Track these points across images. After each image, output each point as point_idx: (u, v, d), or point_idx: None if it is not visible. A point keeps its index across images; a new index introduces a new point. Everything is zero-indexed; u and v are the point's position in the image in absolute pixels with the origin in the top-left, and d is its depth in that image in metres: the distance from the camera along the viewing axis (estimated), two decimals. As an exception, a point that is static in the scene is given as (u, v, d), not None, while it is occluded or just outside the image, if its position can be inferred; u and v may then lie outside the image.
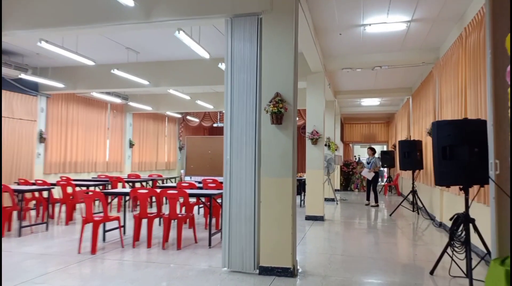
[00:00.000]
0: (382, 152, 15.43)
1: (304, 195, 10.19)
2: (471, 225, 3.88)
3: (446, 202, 6.99)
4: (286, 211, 4.18)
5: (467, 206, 3.98)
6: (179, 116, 17.45)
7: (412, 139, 10.32)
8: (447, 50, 6.63)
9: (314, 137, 7.97)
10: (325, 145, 11.66)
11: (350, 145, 19.76)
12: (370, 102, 14.02)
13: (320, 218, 7.89)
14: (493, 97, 2.97)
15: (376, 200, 10.56)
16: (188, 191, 5.93)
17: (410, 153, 8.45)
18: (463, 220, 3.94)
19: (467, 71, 5.40)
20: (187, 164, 14.67)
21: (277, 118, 4.20)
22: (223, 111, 10.09)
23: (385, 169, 20.33)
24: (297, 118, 14.88)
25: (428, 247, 5.72)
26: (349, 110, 15.46)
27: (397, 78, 10.42)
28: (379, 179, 11.31)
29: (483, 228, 4.06)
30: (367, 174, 10.61)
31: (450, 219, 4.15)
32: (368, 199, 10.88)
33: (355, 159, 18.94)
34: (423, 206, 8.35)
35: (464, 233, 3.90)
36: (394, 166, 14.86)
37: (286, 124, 4.26)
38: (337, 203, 11.08)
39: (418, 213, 8.83)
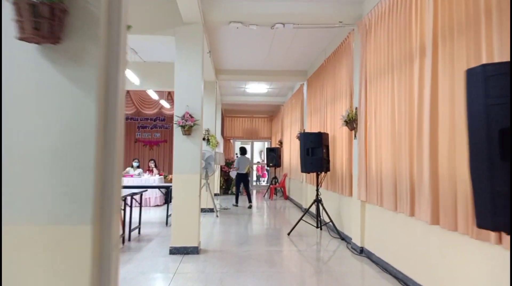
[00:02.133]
0: (268, 149, 13.52)
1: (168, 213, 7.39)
2: None
3: (370, 218, 4.98)
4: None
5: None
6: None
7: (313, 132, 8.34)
8: (377, 5, 4.60)
9: (187, 124, 5.16)
10: (204, 139, 8.94)
11: (231, 141, 17.52)
12: (257, 89, 11.86)
13: (193, 250, 5.13)
14: None
15: (250, 200, 10.32)
16: None
17: (315, 150, 6.34)
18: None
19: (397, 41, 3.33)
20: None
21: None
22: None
23: (265, 169, 18.93)
24: (170, 106, 11.67)
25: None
26: (231, 99, 13.08)
27: (292, 59, 8.34)
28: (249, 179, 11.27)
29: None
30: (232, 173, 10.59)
31: None
32: (236, 201, 10.47)
33: (237, 157, 16.78)
34: (331, 221, 6.33)
35: None
36: (280, 165, 13.06)
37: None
38: (217, 216, 8.48)
39: (321, 229, 6.80)
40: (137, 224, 6.44)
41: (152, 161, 10.90)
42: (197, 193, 5.22)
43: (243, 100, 13.17)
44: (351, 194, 5.66)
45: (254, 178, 18.61)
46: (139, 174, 10.46)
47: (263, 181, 19.94)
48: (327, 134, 6.61)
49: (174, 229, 5.16)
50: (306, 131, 8.99)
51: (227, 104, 13.98)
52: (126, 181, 9.87)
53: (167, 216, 7.51)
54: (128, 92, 12.68)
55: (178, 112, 5.27)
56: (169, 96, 12.46)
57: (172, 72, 5.35)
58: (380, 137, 4.54)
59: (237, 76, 9.28)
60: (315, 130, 8.02)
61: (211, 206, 8.92)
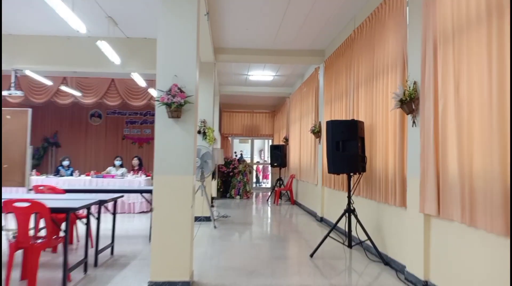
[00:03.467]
0: (272, 147, 11.92)
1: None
2: None
3: (441, 240, 3.40)
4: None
5: None
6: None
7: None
8: None
9: (175, 101, 3.54)
10: (199, 132, 7.37)
11: (229, 138, 15.91)
12: (261, 76, 10.27)
13: (184, 286, 3.54)
14: None
15: None
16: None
17: (348, 144, 4.75)
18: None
19: None
20: None
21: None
22: None
23: (267, 169, 17.28)
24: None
25: None
26: (231, 89, 11.49)
27: (307, 35, 6.78)
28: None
29: None
30: None
31: None
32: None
33: (236, 156, 15.19)
34: (369, 239, 4.73)
35: None
36: (285, 165, 11.46)
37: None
38: (214, 226, 6.86)
39: (350, 248, 5.21)
40: (110, 241, 4.83)
41: (136, 159, 9.25)
42: (189, 203, 3.61)
43: (244, 91, 11.57)
44: (403, 204, 4.08)
45: (254, 179, 17.01)
46: (122, 175, 8.83)
47: (264, 182, 18.33)
48: (362, 123, 5.03)
49: (155, 255, 3.55)
50: (321, 125, 7.42)
51: (226, 96, 12.36)
52: (106, 183, 8.23)
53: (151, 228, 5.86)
54: (113, 81, 11.06)
55: (161, 85, 3.67)
56: (160, 85, 10.83)
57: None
58: (466, 123, 2.97)
59: (240, 56, 7.68)
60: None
61: (208, 214, 7.31)
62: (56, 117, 14.35)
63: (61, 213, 3.65)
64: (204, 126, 7.52)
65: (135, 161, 9.14)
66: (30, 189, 5.61)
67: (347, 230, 5.07)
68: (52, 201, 3.74)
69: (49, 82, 9.43)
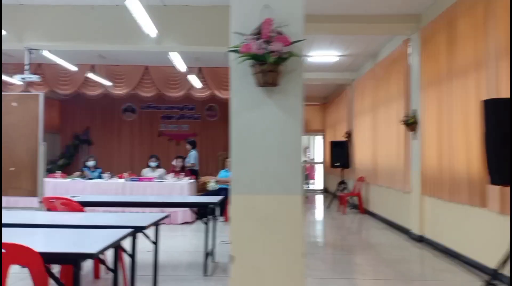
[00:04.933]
0: (333, 144, 10.10)
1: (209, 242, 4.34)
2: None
3: None
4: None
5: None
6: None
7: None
8: None
9: (272, 52, 1.85)
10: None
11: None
12: (323, 58, 8.48)
13: None
14: None
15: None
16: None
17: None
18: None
19: None
20: None
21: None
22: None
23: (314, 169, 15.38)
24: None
25: None
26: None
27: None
28: None
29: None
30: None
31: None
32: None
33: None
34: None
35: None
36: (348, 165, 9.62)
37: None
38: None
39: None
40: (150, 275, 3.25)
41: (180, 160, 7.72)
42: (299, 247, 1.93)
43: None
44: None
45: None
46: (160, 177, 7.34)
47: (311, 184, 16.46)
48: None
49: None
50: (421, 112, 5.57)
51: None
52: (142, 188, 6.75)
53: (206, 251, 4.17)
54: (146, 69, 9.63)
55: (239, 23, 2.00)
56: (201, 73, 9.32)
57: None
58: None
59: (323, 21, 5.91)
60: (453, 107, 4.60)
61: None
62: (88, 112, 13.17)
63: (65, 263, 2.06)
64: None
65: (178, 163, 7.61)
66: (41, 201, 4.17)
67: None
68: (53, 234, 2.18)
69: (73, 68, 8.06)
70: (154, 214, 3.37)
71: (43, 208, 3.64)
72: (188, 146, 8.60)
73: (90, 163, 7.47)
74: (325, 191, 13.62)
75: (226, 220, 7.20)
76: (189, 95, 9.85)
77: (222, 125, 13.38)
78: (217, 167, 13.36)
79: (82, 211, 3.45)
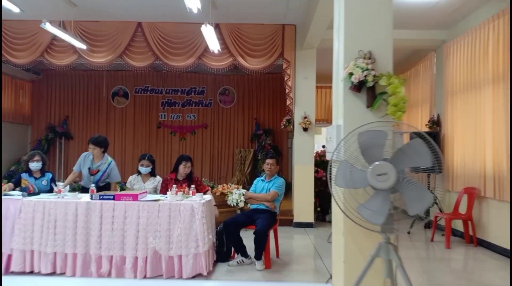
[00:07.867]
0: (418, 135, 6.95)
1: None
2: None
3: None
4: None
5: None
6: None
7: None
8: None
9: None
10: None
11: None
12: None
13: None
14: None
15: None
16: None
17: None
18: None
19: None
20: None
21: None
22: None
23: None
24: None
25: None
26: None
27: None
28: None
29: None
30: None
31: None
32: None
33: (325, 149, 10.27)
34: None
35: None
36: (440, 169, 6.44)
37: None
38: None
39: None
40: None
41: (188, 163, 4.49)
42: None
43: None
44: None
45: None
46: (155, 192, 4.29)
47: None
48: None
49: None
50: None
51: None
52: (122, 213, 3.70)
53: None
54: (139, 25, 6.55)
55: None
56: (218, 28, 6.23)
57: None
58: None
59: None
60: None
61: None
62: (67, 98, 10.12)
63: None
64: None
65: (186, 169, 4.39)
66: None
67: None
68: None
69: (15, 9, 4.98)
70: None
71: None
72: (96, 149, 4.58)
73: (34, 165, 4.43)
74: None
75: (268, 266, 4.21)
76: (200, 64, 6.69)
77: (240, 114, 10.35)
78: (233, 169, 10.42)
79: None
